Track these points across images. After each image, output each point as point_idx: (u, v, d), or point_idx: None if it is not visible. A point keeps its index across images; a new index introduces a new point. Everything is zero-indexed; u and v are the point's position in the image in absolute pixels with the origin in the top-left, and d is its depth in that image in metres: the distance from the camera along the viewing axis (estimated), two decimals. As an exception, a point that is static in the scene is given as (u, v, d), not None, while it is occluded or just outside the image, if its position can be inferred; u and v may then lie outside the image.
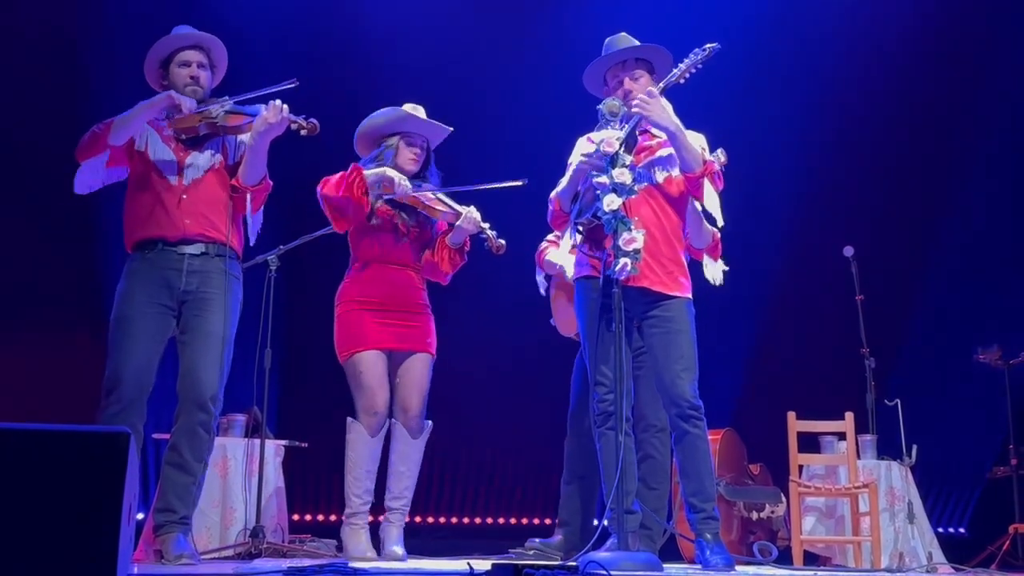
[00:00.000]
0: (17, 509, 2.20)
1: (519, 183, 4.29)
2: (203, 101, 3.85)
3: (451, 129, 4.48)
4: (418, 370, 4.31)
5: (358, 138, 4.49)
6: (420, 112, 4.46)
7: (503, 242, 4.37)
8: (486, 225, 4.35)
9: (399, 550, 4.23)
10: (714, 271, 4.29)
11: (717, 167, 3.86)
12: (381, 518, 4.34)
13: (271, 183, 3.90)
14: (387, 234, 4.31)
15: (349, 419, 4.26)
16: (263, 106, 3.76)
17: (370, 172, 4.25)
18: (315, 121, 3.76)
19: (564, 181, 3.91)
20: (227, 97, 3.85)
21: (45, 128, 5.92)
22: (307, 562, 4.00)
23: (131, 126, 3.75)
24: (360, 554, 4.13)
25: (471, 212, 4.31)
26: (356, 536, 4.20)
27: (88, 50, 6.14)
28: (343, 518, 4.29)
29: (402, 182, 4.27)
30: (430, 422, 4.38)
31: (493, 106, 7.03)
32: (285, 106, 3.73)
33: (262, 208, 3.95)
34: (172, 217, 3.74)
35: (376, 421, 4.22)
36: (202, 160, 3.82)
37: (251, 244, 3.95)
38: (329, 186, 4.22)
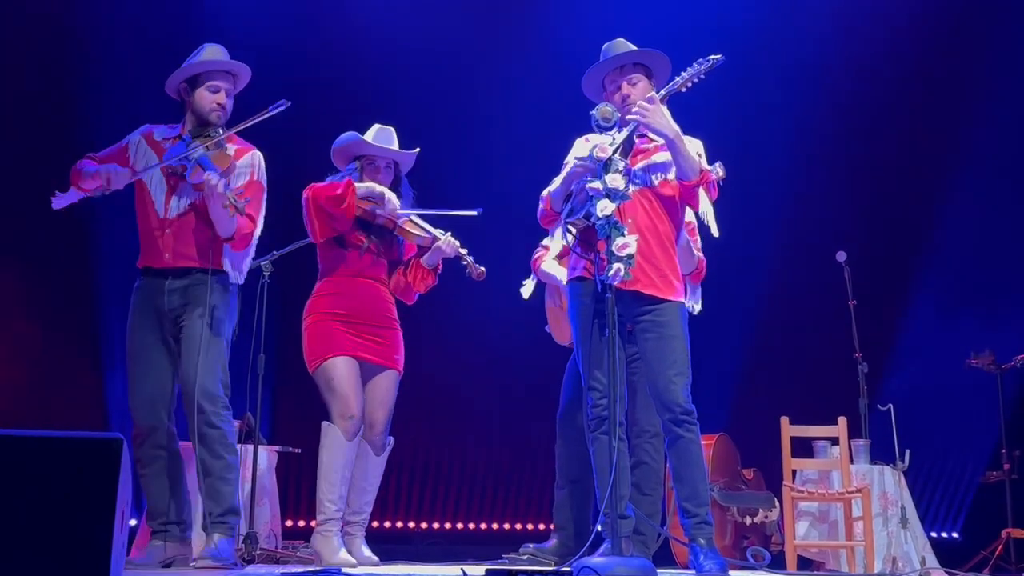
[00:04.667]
0: (10, 516, 2.19)
1: (472, 213, 4.36)
2: (198, 128, 3.93)
3: (415, 152, 4.49)
4: (385, 387, 4.32)
5: (332, 155, 4.51)
6: (389, 133, 4.46)
7: (483, 269, 4.43)
8: (464, 251, 4.40)
9: (372, 555, 4.25)
10: (689, 302, 4.31)
11: (714, 178, 3.86)
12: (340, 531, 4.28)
13: (253, 227, 3.93)
14: (352, 249, 4.33)
15: (324, 423, 4.23)
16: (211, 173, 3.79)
17: (361, 186, 4.28)
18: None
19: (557, 181, 3.91)
20: (211, 134, 3.88)
21: (35, 132, 5.93)
22: (300, 568, 4.00)
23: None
24: (338, 560, 4.10)
25: (449, 237, 4.36)
26: (329, 543, 4.16)
27: (79, 53, 6.14)
28: (315, 525, 4.24)
29: (392, 200, 4.32)
30: (392, 438, 4.39)
31: (485, 111, 7.04)
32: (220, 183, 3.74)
33: (251, 246, 3.99)
34: (157, 248, 3.92)
35: (352, 425, 4.20)
36: (185, 195, 3.89)
37: (233, 282, 3.96)
38: (319, 192, 4.23)
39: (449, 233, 4.38)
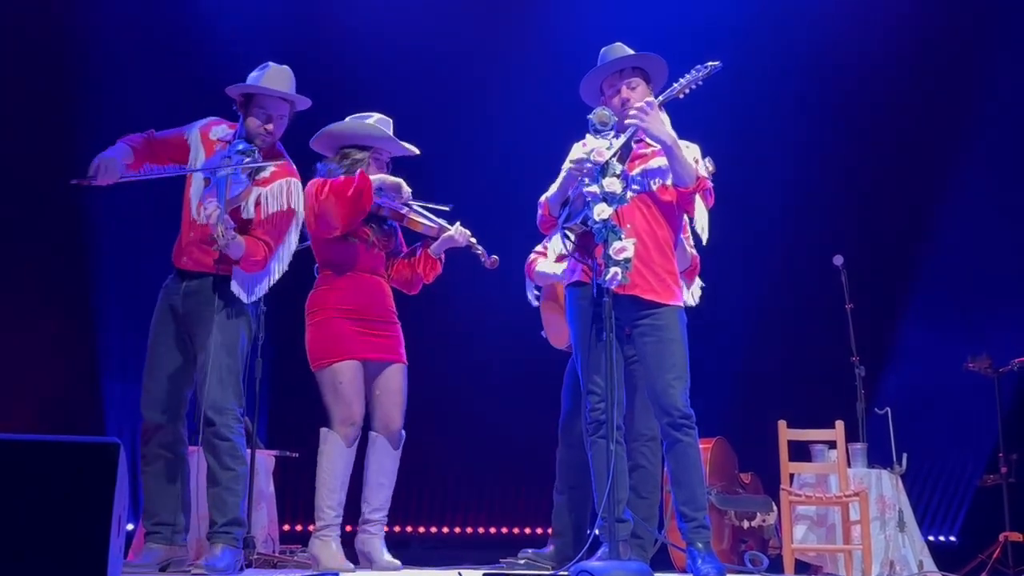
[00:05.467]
0: (8, 519, 2.19)
1: (445, 208, 4.41)
2: (230, 142, 3.95)
3: (418, 152, 4.50)
4: (396, 382, 4.31)
5: (323, 135, 4.43)
6: (389, 125, 4.45)
7: (496, 257, 4.44)
8: (474, 240, 4.40)
9: (394, 559, 4.23)
10: (687, 295, 4.31)
11: (710, 183, 3.86)
12: (359, 531, 4.29)
13: (266, 253, 3.92)
14: (359, 243, 4.31)
15: (324, 429, 4.22)
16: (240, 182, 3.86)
17: (374, 178, 4.25)
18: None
19: (554, 186, 3.91)
20: (248, 155, 3.87)
21: (34, 133, 5.93)
22: (297, 573, 4.00)
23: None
24: (337, 564, 4.10)
25: (459, 227, 4.37)
26: (328, 547, 4.15)
27: (75, 54, 6.14)
28: (313, 531, 4.23)
29: (407, 189, 4.33)
30: (403, 431, 4.38)
31: (484, 114, 7.05)
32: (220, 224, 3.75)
33: (266, 271, 3.96)
34: (181, 249, 3.96)
35: (353, 432, 4.21)
36: (211, 205, 3.86)
37: (242, 300, 3.91)
38: (337, 187, 4.16)
39: (459, 222, 4.39)
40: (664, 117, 3.77)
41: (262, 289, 3.97)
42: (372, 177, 4.24)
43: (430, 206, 4.42)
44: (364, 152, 4.36)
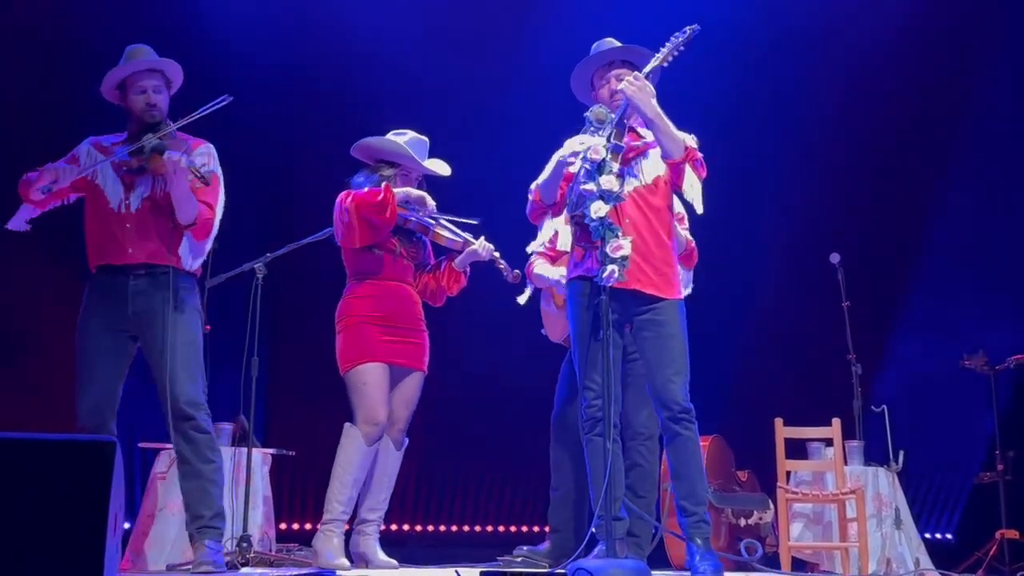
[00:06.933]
0: (4, 518, 2.19)
1: (473, 222, 4.51)
2: (142, 132, 3.88)
3: (448, 173, 4.57)
4: (412, 388, 4.44)
5: (360, 146, 4.56)
6: (423, 146, 4.56)
7: (518, 272, 4.56)
8: (497, 254, 4.51)
9: (390, 559, 4.30)
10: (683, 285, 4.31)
11: (700, 154, 3.85)
12: (355, 532, 4.35)
13: (212, 215, 3.90)
14: (386, 253, 4.42)
15: (347, 424, 4.30)
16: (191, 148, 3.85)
17: (399, 191, 4.36)
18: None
19: (545, 173, 3.91)
20: (161, 128, 3.85)
21: (27, 138, 5.91)
22: (294, 571, 4.00)
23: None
24: (336, 560, 4.15)
25: (483, 241, 4.48)
26: (330, 541, 4.21)
27: (64, 59, 6.12)
28: (319, 525, 4.29)
29: (431, 203, 4.44)
30: (407, 438, 4.47)
31: (482, 115, 7.04)
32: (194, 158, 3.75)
33: (211, 235, 3.94)
34: (118, 245, 3.85)
35: (376, 432, 4.29)
36: (143, 188, 3.86)
37: (191, 270, 3.91)
38: (361, 199, 4.26)
39: (483, 237, 4.49)
40: (652, 89, 3.76)
41: (202, 257, 3.94)
42: (397, 191, 4.35)
43: (457, 220, 4.53)
44: (392, 168, 4.49)
